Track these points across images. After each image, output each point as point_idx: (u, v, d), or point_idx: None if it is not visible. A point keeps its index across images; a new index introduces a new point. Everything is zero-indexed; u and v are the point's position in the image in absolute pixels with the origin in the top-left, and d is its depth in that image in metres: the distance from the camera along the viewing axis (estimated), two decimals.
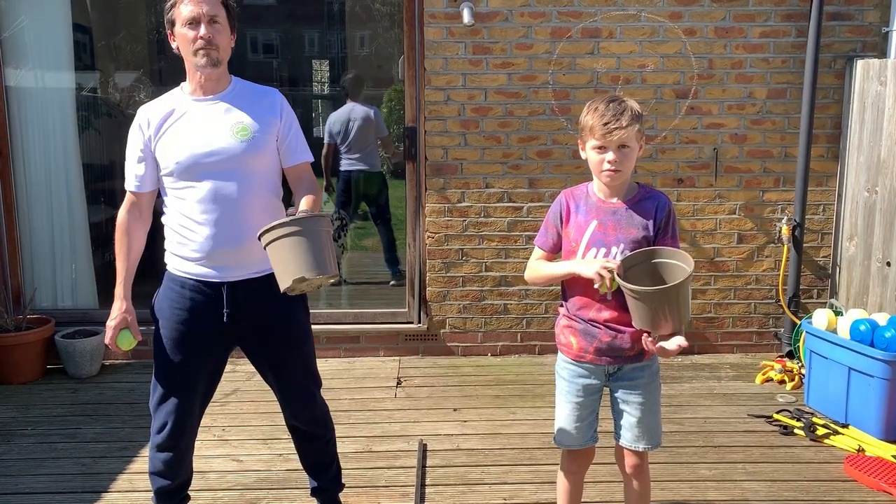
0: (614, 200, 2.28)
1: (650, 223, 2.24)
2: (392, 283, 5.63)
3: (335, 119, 5.78)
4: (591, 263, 2.18)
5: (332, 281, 2.17)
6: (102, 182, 5.21)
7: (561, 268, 2.31)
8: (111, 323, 2.41)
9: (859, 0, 4.39)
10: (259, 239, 2.12)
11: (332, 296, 5.76)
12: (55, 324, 4.48)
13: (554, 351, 2.45)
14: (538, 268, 2.38)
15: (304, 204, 2.34)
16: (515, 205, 4.55)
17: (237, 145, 2.34)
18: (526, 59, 4.42)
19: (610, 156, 2.19)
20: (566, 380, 2.39)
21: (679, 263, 2.14)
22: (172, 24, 2.35)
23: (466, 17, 4.27)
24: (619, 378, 2.34)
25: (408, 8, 4.45)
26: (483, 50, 4.41)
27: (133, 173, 2.42)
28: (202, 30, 2.30)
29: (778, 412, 3.76)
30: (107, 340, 2.44)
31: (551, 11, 4.37)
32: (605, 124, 2.16)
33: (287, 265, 2.08)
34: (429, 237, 4.58)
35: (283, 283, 2.10)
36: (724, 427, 3.68)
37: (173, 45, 2.39)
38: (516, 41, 4.40)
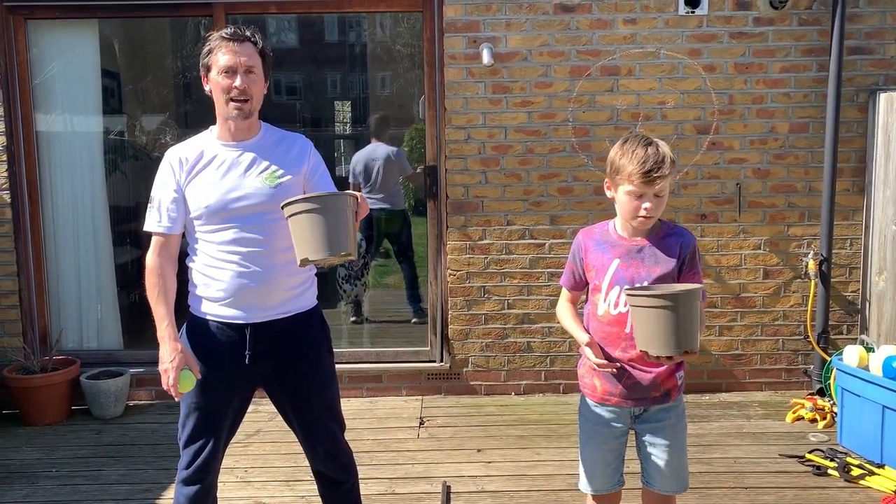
0: (637, 238, 2.26)
1: (674, 260, 2.22)
2: (414, 320, 5.62)
3: (358, 159, 5.84)
4: (583, 336, 2.26)
5: (350, 259, 2.18)
6: (129, 224, 5.29)
7: (569, 328, 2.38)
8: (169, 365, 2.28)
9: (880, 34, 4.38)
10: (282, 209, 2.17)
11: (354, 334, 5.76)
12: (80, 365, 4.51)
13: (579, 389, 2.41)
14: (561, 314, 2.43)
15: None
16: (537, 241, 4.54)
17: (266, 191, 2.36)
18: (545, 98, 4.45)
19: (647, 205, 2.14)
20: (591, 422, 2.35)
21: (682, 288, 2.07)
22: (208, 69, 2.37)
23: (486, 57, 4.32)
24: (644, 420, 2.29)
25: (428, 50, 4.52)
26: (503, 89, 4.44)
27: (166, 215, 2.38)
28: (238, 80, 2.31)
29: (810, 452, 3.67)
30: (166, 385, 2.29)
31: (570, 50, 4.41)
32: (647, 173, 2.10)
33: (300, 243, 2.13)
34: (450, 275, 4.58)
35: (297, 259, 2.15)
36: (754, 467, 3.59)
37: (206, 88, 2.42)
38: (535, 80, 4.43)
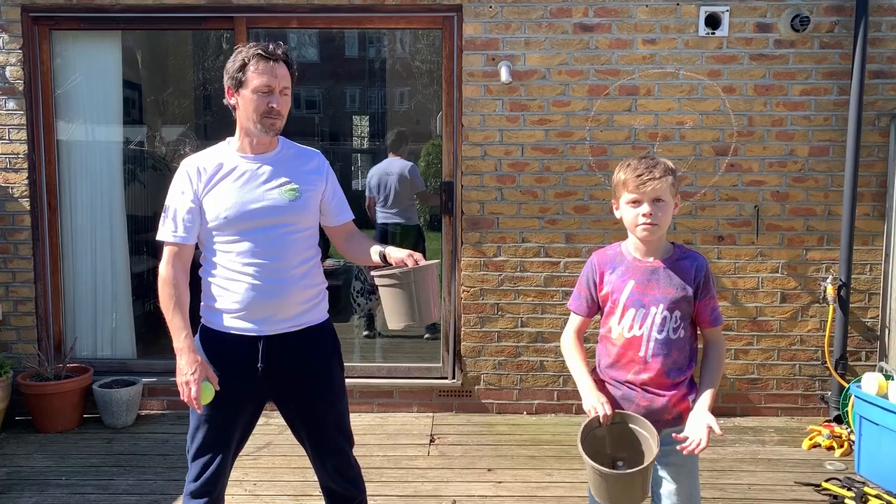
0: (651, 259, 2.25)
1: (689, 284, 2.21)
2: (426, 336, 5.60)
3: (374, 173, 5.86)
4: (591, 396, 2.18)
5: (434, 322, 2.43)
6: (145, 233, 5.32)
7: (576, 376, 2.31)
8: (189, 378, 2.27)
9: None
10: (371, 274, 2.40)
11: (366, 349, 5.74)
12: (93, 373, 4.52)
13: None
14: (567, 349, 2.37)
15: (397, 252, 2.48)
16: (552, 259, 4.52)
17: (285, 203, 2.37)
18: (563, 116, 4.44)
19: (644, 208, 2.17)
20: None
21: (648, 438, 2.10)
22: (239, 84, 2.34)
23: (504, 75, 4.32)
24: None
25: (447, 67, 4.53)
26: (520, 107, 4.44)
27: (182, 225, 2.36)
28: (275, 101, 2.32)
29: (827, 480, 3.60)
30: (187, 397, 2.29)
31: (588, 70, 4.41)
32: (639, 176, 2.17)
33: (387, 313, 2.38)
34: (464, 291, 4.56)
35: (388, 326, 2.40)
36: (769, 495, 3.53)
37: (229, 101, 2.40)
38: (553, 98, 4.43)
